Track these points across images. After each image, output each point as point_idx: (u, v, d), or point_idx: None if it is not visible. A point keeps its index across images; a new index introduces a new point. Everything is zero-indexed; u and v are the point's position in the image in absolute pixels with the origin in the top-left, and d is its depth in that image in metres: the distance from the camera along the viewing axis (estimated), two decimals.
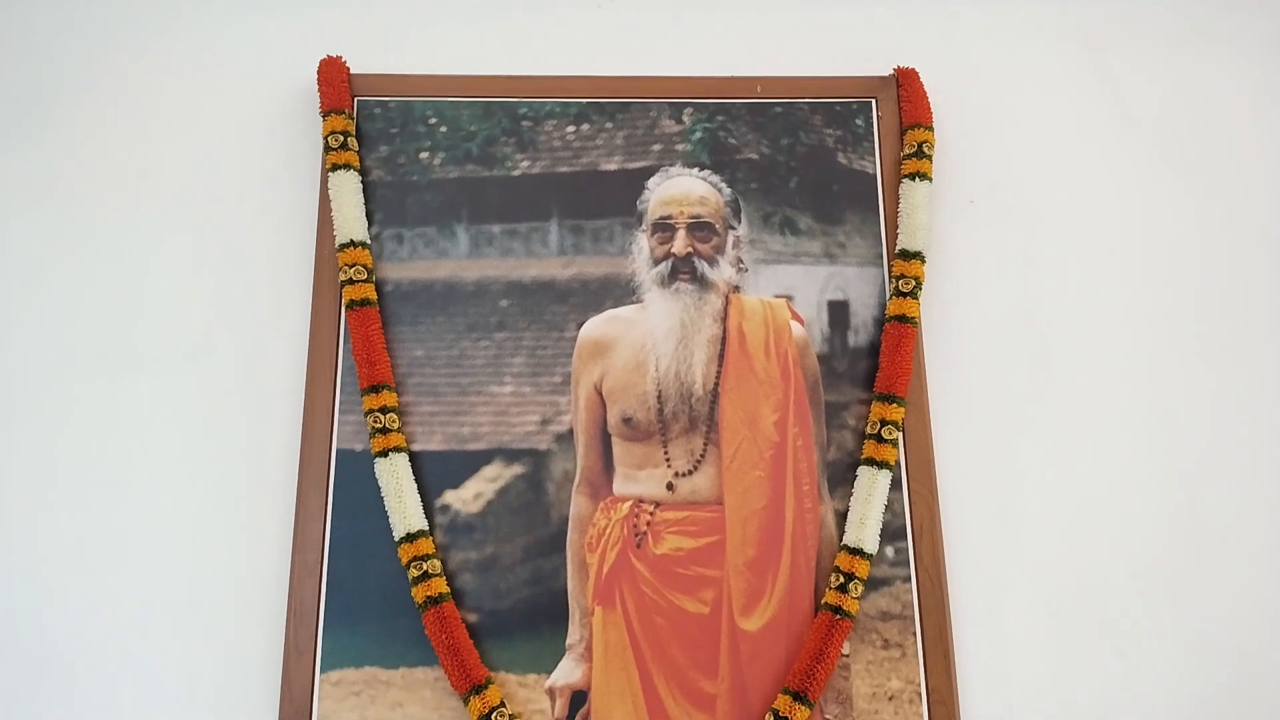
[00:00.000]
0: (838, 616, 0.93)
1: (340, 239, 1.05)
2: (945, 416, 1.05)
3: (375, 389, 1.00)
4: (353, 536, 0.98)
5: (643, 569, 0.98)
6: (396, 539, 0.95)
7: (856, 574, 0.95)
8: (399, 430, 0.99)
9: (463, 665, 0.91)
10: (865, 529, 0.97)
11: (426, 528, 0.96)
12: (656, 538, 0.99)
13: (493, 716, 0.90)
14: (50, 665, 0.96)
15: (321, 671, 0.94)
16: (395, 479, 0.97)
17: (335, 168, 1.08)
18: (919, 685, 0.95)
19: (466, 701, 0.90)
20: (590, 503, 1.01)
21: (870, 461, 0.99)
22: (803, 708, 0.91)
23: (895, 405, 1.01)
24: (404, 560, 0.94)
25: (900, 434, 1.01)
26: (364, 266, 1.04)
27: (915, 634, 0.96)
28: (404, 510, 0.96)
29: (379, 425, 0.98)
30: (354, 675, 0.94)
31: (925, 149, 1.11)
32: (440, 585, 0.94)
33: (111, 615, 0.98)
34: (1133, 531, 1.04)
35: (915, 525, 1.00)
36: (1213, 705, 0.98)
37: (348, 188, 1.07)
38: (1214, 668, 1.00)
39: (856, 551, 0.96)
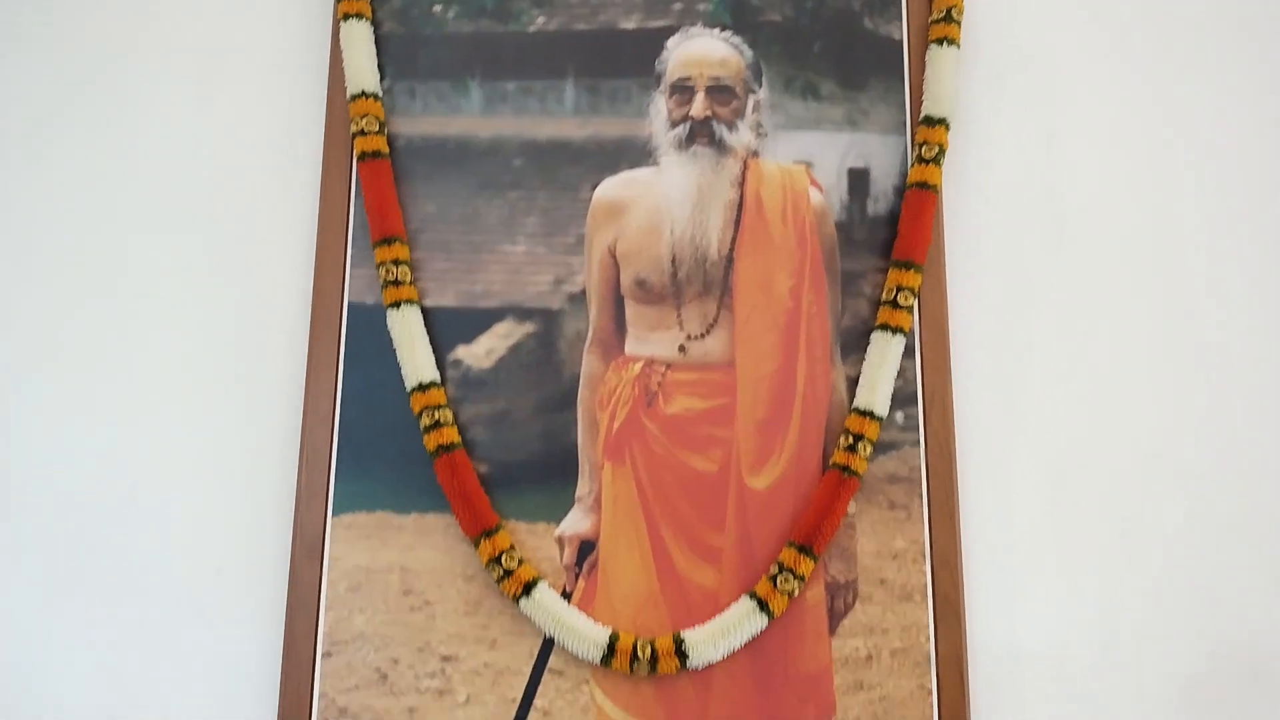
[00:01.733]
0: (845, 475, 0.94)
1: (351, 90, 1.03)
2: (961, 286, 1.04)
3: (387, 241, 0.99)
4: (364, 388, 0.98)
5: (653, 428, 0.99)
6: (408, 389, 0.96)
7: (866, 435, 0.95)
8: (411, 283, 0.99)
9: (473, 510, 0.92)
10: (876, 392, 0.97)
11: (438, 379, 0.97)
12: (667, 398, 0.99)
13: (502, 559, 0.91)
14: (64, 511, 0.98)
15: (334, 515, 0.95)
16: (407, 331, 0.97)
17: (347, 17, 1.05)
18: (923, 545, 0.96)
19: (477, 545, 0.92)
20: (602, 362, 1.01)
21: (884, 327, 0.98)
22: (807, 560, 0.92)
23: (912, 271, 1.00)
24: (416, 409, 0.95)
25: (916, 301, 1.00)
26: (375, 118, 1.02)
27: (921, 496, 0.97)
28: (415, 361, 0.96)
29: (391, 277, 0.98)
30: (365, 519, 0.96)
31: (954, 14, 1.07)
32: (452, 434, 0.94)
33: (124, 462, 1.00)
34: (1142, 411, 1.03)
35: (926, 392, 1.00)
36: (1215, 582, 1.00)
37: (359, 37, 1.04)
38: (1216, 547, 1.00)
39: (867, 414, 0.96)
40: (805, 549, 0.92)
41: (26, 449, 1.00)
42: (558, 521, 0.96)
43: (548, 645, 0.93)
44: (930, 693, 0.93)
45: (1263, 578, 0.99)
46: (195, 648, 0.95)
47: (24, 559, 0.98)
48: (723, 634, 0.91)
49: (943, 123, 1.04)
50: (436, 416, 0.94)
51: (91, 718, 0.94)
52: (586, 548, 0.96)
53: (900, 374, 0.99)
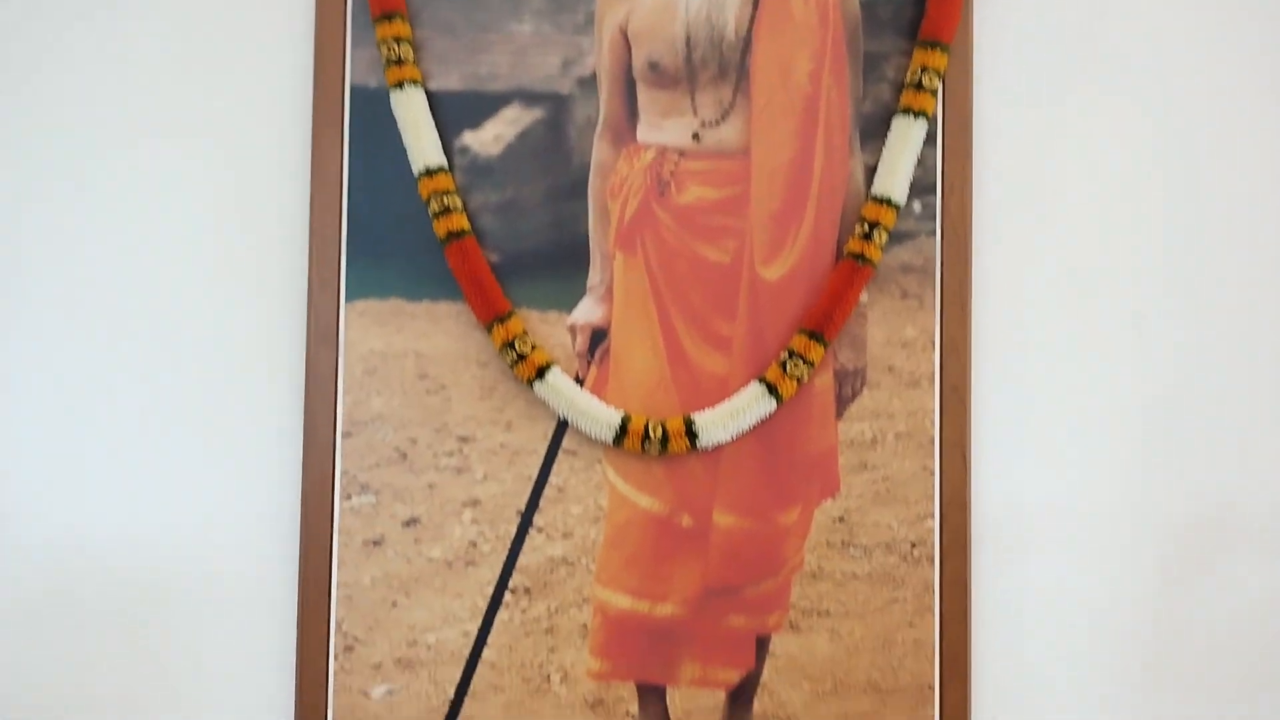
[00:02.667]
0: (859, 263, 0.93)
1: None
2: (988, 72, 0.99)
3: (388, 16, 0.94)
4: (371, 174, 0.96)
5: (665, 217, 0.97)
6: (416, 174, 0.93)
7: (882, 223, 0.94)
8: (414, 63, 0.95)
9: (485, 296, 0.93)
10: (895, 178, 0.94)
11: (445, 164, 0.94)
12: (680, 187, 0.97)
13: (515, 344, 0.92)
14: (81, 308, 0.99)
15: (346, 301, 0.96)
16: (411, 113, 0.93)
17: None
18: (933, 334, 0.97)
19: (489, 330, 0.93)
20: (613, 150, 0.98)
21: (907, 111, 0.95)
22: (818, 346, 0.93)
23: (938, 52, 0.95)
24: (424, 195, 0.93)
25: (940, 85, 0.96)
26: None
27: (935, 286, 0.97)
28: (421, 145, 0.93)
29: (393, 56, 0.93)
30: (378, 306, 0.96)
31: None
32: (461, 221, 0.93)
33: (137, 259, 0.99)
34: (1162, 214, 1.01)
35: (945, 181, 0.97)
36: (1223, 376, 1.01)
37: None
38: (1229, 347, 1.01)
39: (884, 200, 0.94)
40: (816, 335, 0.93)
41: (44, 252, 0.99)
42: (569, 310, 0.97)
43: (562, 427, 0.96)
44: (932, 473, 0.97)
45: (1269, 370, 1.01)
46: (217, 432, 0.97)
47: (43, 359, 0.99)
48: (732, 416, 0.93)
49: None
50: (445, 202, 0.93)
51: (116, 504, 0.98)
52: (598, 336, 0.97)
53: (920, 161, 0.96)
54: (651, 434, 0.93)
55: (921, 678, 0.96)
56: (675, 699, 0.96)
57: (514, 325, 0.93)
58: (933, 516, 0.97)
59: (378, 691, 0.95)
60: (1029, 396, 1.00)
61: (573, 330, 0.97)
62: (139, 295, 0.99)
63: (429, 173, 0.93)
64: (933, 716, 0.96)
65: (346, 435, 0.95)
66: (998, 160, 1.00)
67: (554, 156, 0.98)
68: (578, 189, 0.98)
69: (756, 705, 0.96)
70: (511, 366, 0.93)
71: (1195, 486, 1.01)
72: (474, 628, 0.95)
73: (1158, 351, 1.01)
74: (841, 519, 0.97)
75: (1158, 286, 1.01)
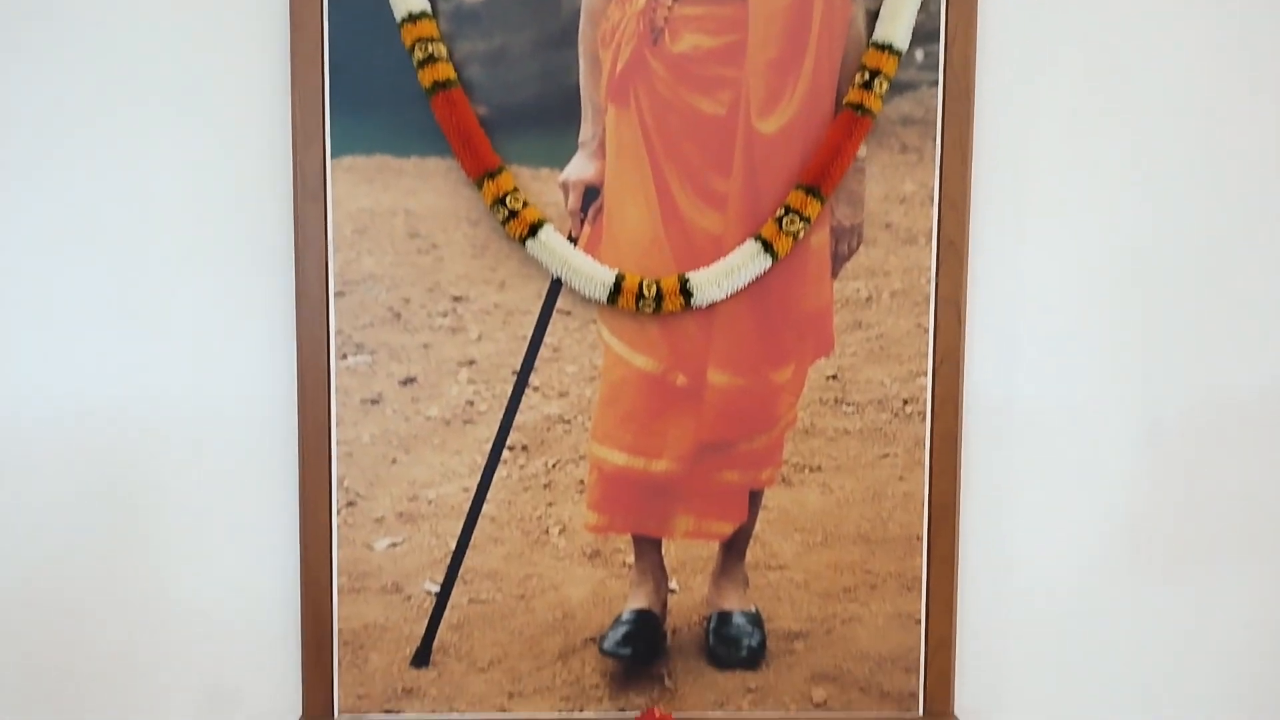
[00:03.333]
0: (859, 114, 0.91)
1: None
2: None
3: None
4: (353, 23, 0.92)
5: (658, 67, 0.93)
6: (398, 20, 0.89)
7: (883, 71, 0.90)
8: None
9: (474, 151, 0.90)
10: (898, 23, 0.90)
11: (429, 9, 0.90)
12: (674, 34, 0.93)
13: (506, 201, 0.91)
14: (66, 172, 0.96)
15: (332, 157, 0.93)
16: None
17: None
18: (932, 189, 0.95)
19: (480, 186, 0.91)
20: None
21: None
22: (815, 201, 0.91)
23: None
24: (406, 43, 0.89)
25: None
26: None
27: (935, 139, 0.94)
28: None
29: None
30: (365, 162, 0.94)
31: None
32: (447, 70, 0.90)
33: (120, 123, 0.96)
34: (1173, 68, 0.98)
35: (950, 28, 0.93)
36: (1231, 238, 1.00)
37: None
38: (1240, 208, 1.00)
39: (885, 47, 0.90)
40: (813, 190, 0.91)
41: (33, 126, 0.96)
42: (561, 167, 0.94)
43: (555, 287, 0.95)
44: (927, 331, 0.97)
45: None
46: (209, 294, 0.97)
47: (32, 226, 0.97)
48: (727, 275, 0.93)
49: None
50: (430, 50, 0.89)
51: (110, 368, 0.98)
52: (591, 193, 0.95)
53: (923, 7, 0.92)
54: (646, 292, 0.92)
55: (910, 529, 0.99)
56: (670, 550, 0.99)
57: (504, 181, 0.91)
58: (925, 374, 0.98)
59: (381, 544, 0.97)
60: (1027, 253, 0.99)
61: (565, 187, 0.95)
62: (127, 156, 0.96)
63: (411, 19, 0.89)
64: (920, 565, 0.99)
65: (339, 295, 0.95)
66: (1004, 7, 0.96)
67: (542, 2, 0.93)
68: (567, 37, 0.93)
69: (749, 556, 0.99)
70: (503, 224, 0.91)
71: (1195, 345, 1.01)
72: (473, 483, 0.97)
73: (1162, 209, 1.00)
74: (835, 376, 0.98)
75: (1165, 142, 0.99)
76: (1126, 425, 1.02)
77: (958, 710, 1.01)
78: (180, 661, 1.00)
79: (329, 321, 0.94)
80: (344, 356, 0.95)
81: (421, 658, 0.98)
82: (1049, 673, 1.04)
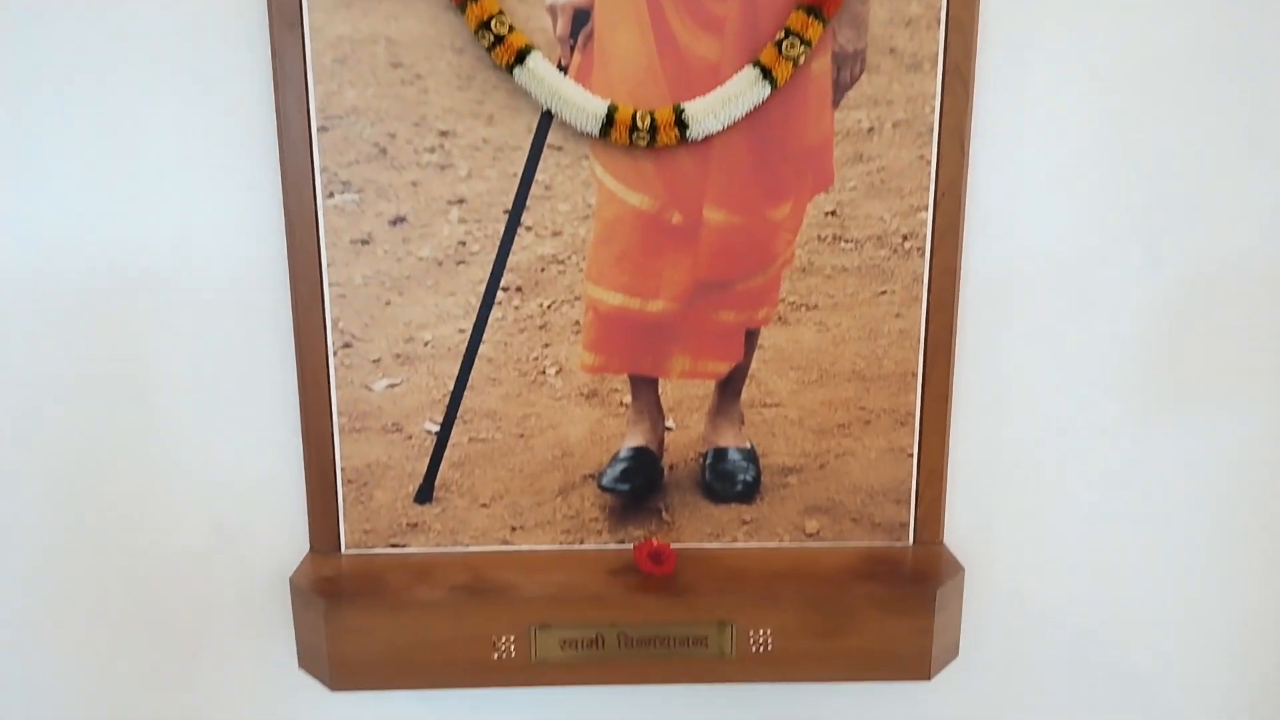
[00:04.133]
0: None
1: None
2: None
3: None
4: None
5: None
6: None
7: None
8: None
9: None
10: None
11: None
12: None
13: (491, 24, 0.86)
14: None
15: None
16: None
17: None
18: (939, 10, 0.90)
19: (463, 10, 0.86)
20: None
21: None
22: (816, 23, 0.87)
23: None
24: None
25: None
26: None
27: None
28: None
29: None
30: None
31: None
32: None
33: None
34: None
35: None
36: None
37: None
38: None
39: None
40: (815, 11, 0.86)
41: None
42: None
43: (545, 120, 0.92)
44: (929, 163, 0.94)
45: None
46: (186, 134, 0.93)
47: (22, 86, 0.93)
48: (724, 104, 0.89)
49: None
50: None
51: (94, 215, 0.95)
52: (581, 18, 0.90)
53: None
54: (639, 124, 0.89)
55: (905, 365, 0.99)
56: (666, 389, 0.99)
57: (489, 3, 0.86)
58: (926, 208, 0.95)
59: (379, 385, 0.98)
60: (1035, 81, 0.95)
61: (553, 11, 0.90)
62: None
63: None
64: (914, 401, 1.00)
65: (322, 130, 0.91)
66: None
67: None
68: None
69: (745, 394, 1.00)
70: (489, 50, 0.87)
71: (1202, 177, 0.99)
72: (468, 325, 0.97)
73: (1181, 33, 0.95)
74: (833, 212, 0.96)
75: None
76: (1128, 262, 1.00)
77: (947, 540, 1.05)
78: (192, 503, 1.03)
79: (313, 158, 0.91)
80: (330, 195, 0.93)
81: (424, 494, 1.00)
82: (1039, 506, 1.07)
